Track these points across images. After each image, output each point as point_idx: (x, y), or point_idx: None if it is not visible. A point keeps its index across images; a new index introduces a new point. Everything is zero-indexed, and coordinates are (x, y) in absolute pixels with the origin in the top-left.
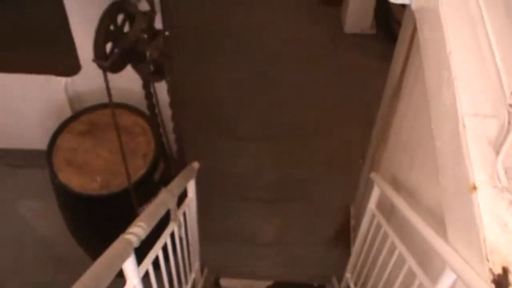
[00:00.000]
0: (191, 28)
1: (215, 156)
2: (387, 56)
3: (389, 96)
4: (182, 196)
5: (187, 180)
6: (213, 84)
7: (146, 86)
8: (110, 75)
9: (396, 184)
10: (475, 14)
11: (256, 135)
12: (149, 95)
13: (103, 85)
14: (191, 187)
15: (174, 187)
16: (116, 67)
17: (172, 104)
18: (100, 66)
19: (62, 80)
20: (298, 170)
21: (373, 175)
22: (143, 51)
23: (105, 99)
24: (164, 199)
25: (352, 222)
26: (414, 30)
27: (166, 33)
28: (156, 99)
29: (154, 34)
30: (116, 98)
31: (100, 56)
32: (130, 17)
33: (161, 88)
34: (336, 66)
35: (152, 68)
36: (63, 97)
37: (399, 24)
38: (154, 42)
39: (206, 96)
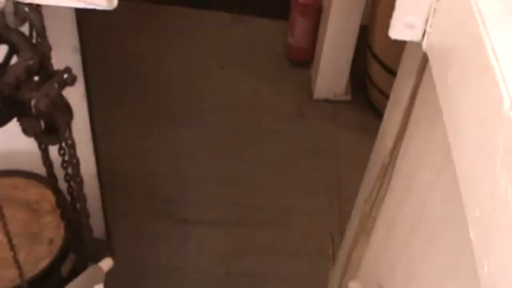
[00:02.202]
0: (134, 86)
1: (150, 244)
2: (363, 127)
3: (375, 176)
4: None
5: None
6: (156, 154)
7: (41, 148)
8: (10, 132)
9: None
10: None
11: (204, 218)
12: (47, 161)
13: None
14: None
15: None
16: None
17: (99, 176)
18: None
19: None
20: (255, 263)
21: (352, 285)
22: (27, 99)
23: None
24: None
25: None
26: (417, 85)
27: (66, 75)
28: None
29: (47, 76)
30: (16, 163)
31: None
32: (14, 50)
33: (86, 154)
34: (302, 139)
35: (42, 124)
36: None
37: (378, 90)
38: (44, 88)
39: (148, 169)
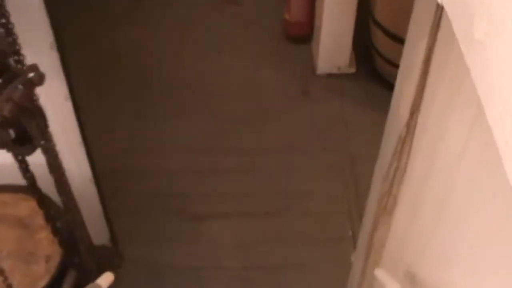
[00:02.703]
0: (129, 79)
1: (161, 244)
2: (371, 100)
3: (392, 151)
4: None
5: None
6: (158, 149)
7: (17, 160)
8: None
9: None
10: None
11: (214, 212)
12: (27, 173)
13: None
14: None
15: None
16: None
17: (97, 179)
18: None
19: None
20: (271, 254)
21: (378, 272)
22: None
23: None
24: None
25: None
26: (431, 47)
27: (31, 74)
28: (60, 175)
29: (10, 77)
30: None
31: None
32: None
33: (79, 157)
34: (308, 118)
35: (12, 133)
36: None
37: (384, 59)
38: (7, 91)
39: (151, 165)
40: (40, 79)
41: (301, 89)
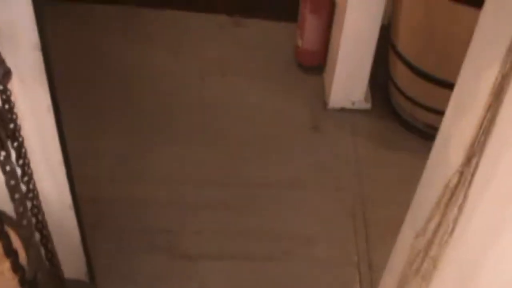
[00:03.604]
0: (121, 100)
1: (145, 284)
2: (387, 138)
3: (433, 202)
4: None
5: None
6: (148, 178)
7: None
8: None
9: None
10: None
11: (208, 252)
12: None
13: None
14: None
15: None
16: None
17: (77, 206)
18: None
19: None
20: None
21: None
22: None
23: None
24: None
25: None
26: (507, 72)
27: None
28: (33, 197)
29: None
30: None
31: None
32: None
33: (58, 179)
34: (317, 155)
35: None
36: None
37: (404, 95)
38: None
39: (139, 195)
40: (6, 75)
41: (311, 122)
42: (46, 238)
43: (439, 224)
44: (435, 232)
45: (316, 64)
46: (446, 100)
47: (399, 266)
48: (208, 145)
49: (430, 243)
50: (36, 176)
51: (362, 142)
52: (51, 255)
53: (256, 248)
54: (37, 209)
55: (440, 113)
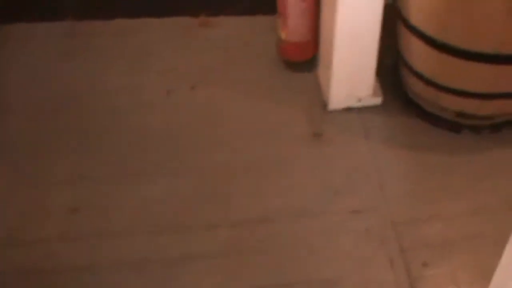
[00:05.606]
0: (71, 131)
1: None
2: (408, 137)
3: None
4: None
5: None
6: (109, 235)
7: None
8: None
9: None
10: None
11: None
12: None
13: None
14: None
15: None
16: None
17: None
18: None
19: None
20: None
21: None
22: None
23: None
24: None
25: None
26: None
27: None
28: None
29: None
30: None
31: None
32: None
33: None
34: (325, 170)
35: None
36: None
37: (423, 79)
38: None
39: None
40: None
41: (311, 130)
42: None
43: None
44: None
45: (306, 58)
46: (480, 78)
47: None
48: (187, 176)
49: None
50: None
51: (378, 145)
52: None
53: None
54: None
55: (474, 96)
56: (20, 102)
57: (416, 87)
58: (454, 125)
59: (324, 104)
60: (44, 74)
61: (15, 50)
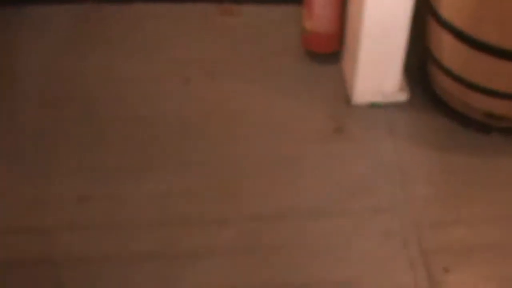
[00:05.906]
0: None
1: None
2: (435, 136)
3: None
4: None
5: None
6: (122, 227)
7: None
8: None
9: None
10: None
11: None
12: None
13: None
14: None
15: None
16: None
17: None
18: None
19: None
20: None
21: None
22: None
23: None
24: None
25: None
26: None
27: None
28: None
29: None
30: None
31: None
32: None
33: None
34: (347, 167)
35: None
36: None
37: (451, 76)
38: None
39: (110, 252)
40: None
41: (332, 125)
42: None
43: None
44: None
45: (331, 50)
46: None
47: None
48: (199, 172)
49: None
50: None
51: (403, 144)
52: None
53: None
54: None
55: (504, 96)
56: (31, 90)
57: (444, 83)
58: (482, 126)
59: (347, 99)
60: (57, 61)
61: (29, 35)
